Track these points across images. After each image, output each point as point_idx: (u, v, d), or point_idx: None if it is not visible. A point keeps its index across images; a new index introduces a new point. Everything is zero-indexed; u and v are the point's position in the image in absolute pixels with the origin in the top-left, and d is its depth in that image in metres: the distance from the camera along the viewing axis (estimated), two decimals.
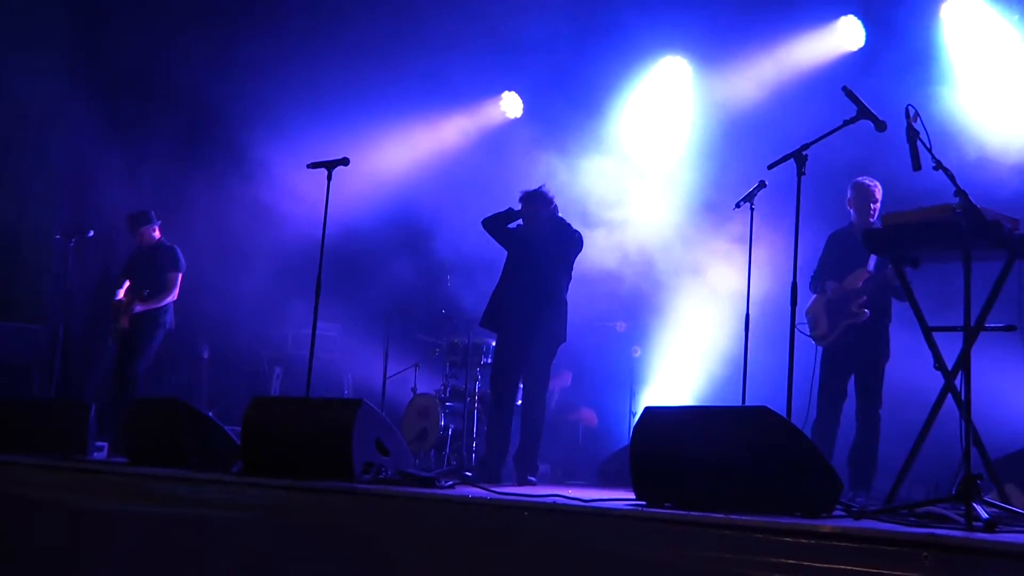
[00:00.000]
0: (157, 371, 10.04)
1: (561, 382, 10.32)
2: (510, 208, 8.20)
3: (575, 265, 8.16)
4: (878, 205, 7.35)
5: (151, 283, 9.35)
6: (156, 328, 9.35)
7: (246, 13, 11.64)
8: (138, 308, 9.24)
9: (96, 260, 11.58)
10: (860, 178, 7.45)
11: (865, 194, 7.38)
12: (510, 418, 8.11)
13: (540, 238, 8.02)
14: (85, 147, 11.76)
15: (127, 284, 9.40)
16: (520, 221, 8.16)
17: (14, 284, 11.98)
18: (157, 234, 9.68)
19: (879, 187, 7.38)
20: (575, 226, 8.25)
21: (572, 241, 8.08)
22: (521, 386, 8.31)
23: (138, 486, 5.84)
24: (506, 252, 8.27)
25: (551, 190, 8.24)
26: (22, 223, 11.89)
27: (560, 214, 8.23)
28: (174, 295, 9.45)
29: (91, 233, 10.16)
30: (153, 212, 9.75)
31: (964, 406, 4.51)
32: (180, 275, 9.46)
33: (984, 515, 3.96)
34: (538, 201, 8.12)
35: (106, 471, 6.23)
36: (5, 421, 7.68)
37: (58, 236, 10.46)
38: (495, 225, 8.22)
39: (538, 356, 7.92)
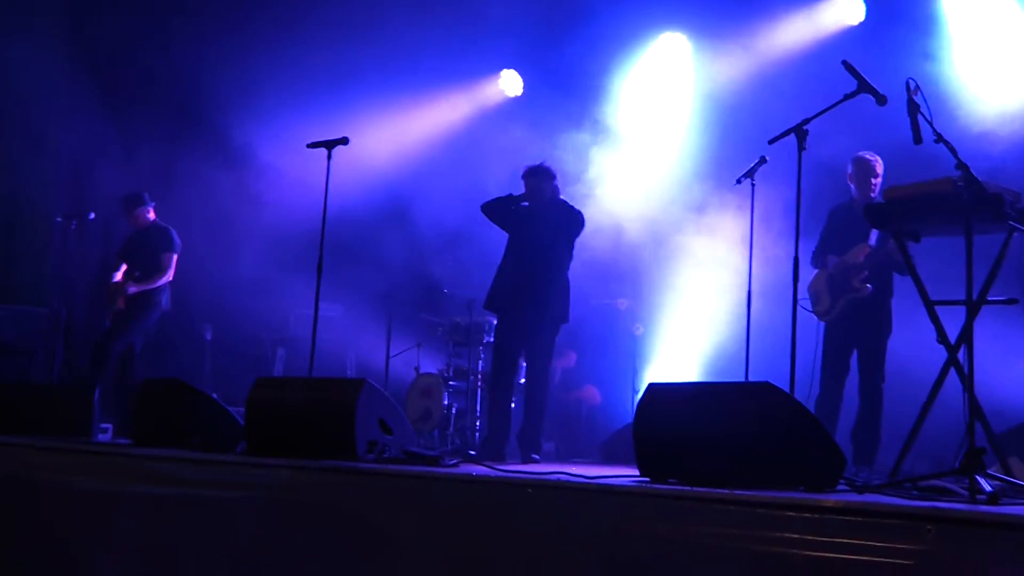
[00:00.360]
0: (159, 353, 10.06)
1: (565, 362, 10.32)
2: (510, 194, 8.17)
3: (576, 244, 8.15)
4: (879, 180, 7.33)
5: (146, 264, 9.34)
6: (149, 309, 9.32)
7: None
8: (132, 289, 9.23)
9: (97, 242, 11.58)
10: (861, 152, 7.43)
11: (866, 168, 7.36)
12: (510, 397, 8.12)
13: (542, 218, 8.00)
14: (85, 129, 11.75)
15: (124, 267, 9.40)
16: (525, 203, 8.12)
17: (16, 267, 11.98)
18: (152, 215, 9.67)
19: (880, 161, 7.36)
20: (576, 205, 8.23)
21: (574, 220, 8.06)
22: (524, 365, 8.32)
23: (142, 467, 5.85)
24: (507, 234, 8.25)
25: (554, 166, 8.23)
26: (23, 206, 11.89)
27: (561, 195, 8.22)
28: (169, 275, 9.43)
29: (92, 215, 10.16)
30: (147, 194, 9.73)
31: (967, 380, 4.51)
32: (175, 256, 9.45)
33: (988, 488, 3.96)
34: (542, 176, 8.10)
35: (110, 453, 6.24)
36: (9, 404, 7.70)
37: (59, 219, 10.46)
38: (495, 210, 8.20)
39: (540, 335, 7.92)
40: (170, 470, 5.72)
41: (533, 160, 8.23)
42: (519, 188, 8.16)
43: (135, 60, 11.77)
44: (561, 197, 8.20)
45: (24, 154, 11.56)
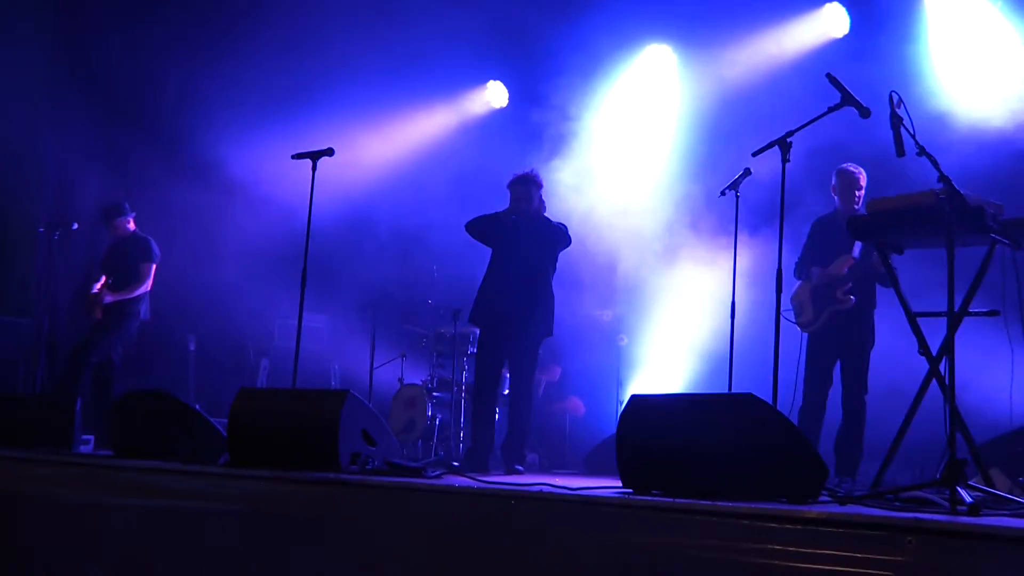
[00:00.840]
0: (142, 364, 10.02)
1: (549, 375, 10.31)
2: (496, 212, 8.16)
3: (560, 256, 8.15)
4: (862, 192, 7.36)
5: (124, 274, 9.30)
6: (126, 319, 9.27)
7: (227, 6, 11.60)
8: (108, 298, 9.19)
9: (81, 253, 11.54)
10: (845, 165, 7.46)
11: (849, 181, 7.39)
12: (494, 408, 8.12)
13: (526, 232, 7.99)
14: (69, 139, 11.72)
15: (103, 278, 9.36)
16: (511, 215, 8.10)
17: None
18: (131, 226, 9.64)
19: (864, 174, 7.39)
20: (558, 219, 8.24)
21: (559, 234, 8.06)
22: (507, 376, 8.31)
23: (125, 479, 5.83)
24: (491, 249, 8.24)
25: (540, 175, 8.24)
26: (6, 216, 11.85)
27: (545, 210, 8.21)
28: (147, 286, 9.39)
29: (75, 226, 10.12)
30: (127, 204, 9.71)
31: (948, 391, 4.53)
32: (153, 265, 9.40)
33: (968, 499, 3.98)
34: (529, 184, 8.11)
35: (92, 464, 6.21)
36: None
37: (42, 229, 10.42)
38: (478, 227, 8.18)
39: (524, 348, 7.92)
40: (153, 481, 5.70)
41: (518, 170, 8.24)
42: (504, 198, 8.16)
43: (120, 71, 11.76)
44: (545, 214, 8.19)
45: (7, 164, 11.51)
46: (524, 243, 7.96)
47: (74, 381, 8.98)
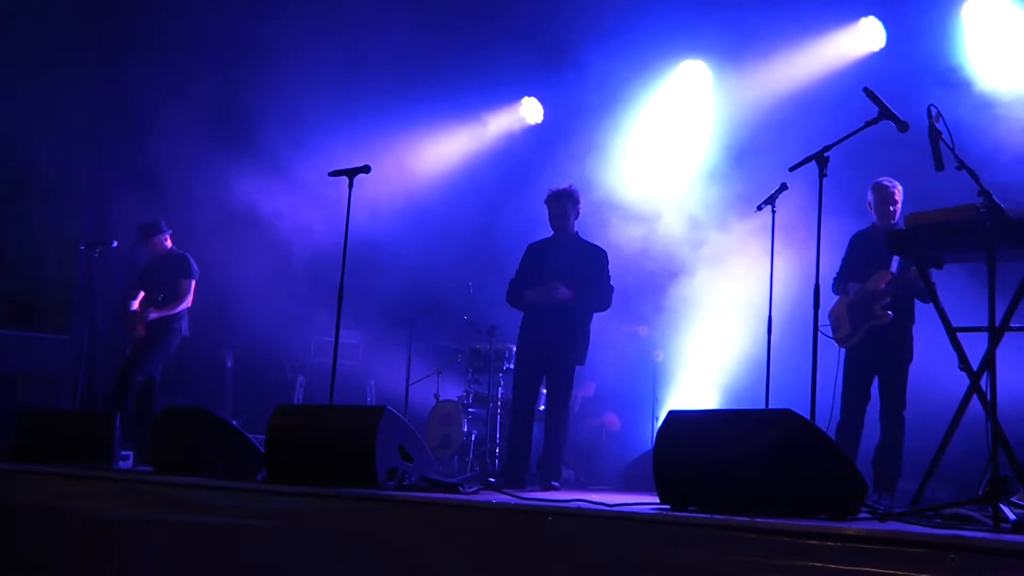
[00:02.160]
0: (180, 380, 10.09)
1: (584, 391, 10.30)
2: (525, 271, 8.20)
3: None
4: (898, 206, 7.30)
5: (165, 291, 9.40)
6: (168, 335, 9.38)
7: (255, 25, 11.68)
8: (152, 315, 9.29)
9: (121, 270, 11.64)
10: (880, 179, 7.41)
11: (884, 195, 7.34)
12: (531, 425, 8.11)
13: (562, 255, 8.00)
14: (109, 157, 11.84)
15: (141, 295, 9.45)
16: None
17: (39, 295, 12.04)
18: (168, 243, 9.74)
19: (899, 188, 7.34)
20: (594, 239, 8.24)
21: (595, 260, 8.06)
22: (544, 392, 8.32)
23: (164, 495, 5.86)
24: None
25: (578, 190, 8.25)
26: (47, 234, 11.97)
27: (578, 227, 8.21)
28: (188, 302, 9.50)
29: (115, 244, 10.20)
30: (164, 221, 9.81)
31: (989, 407, 4.48)
32: (193, 282, 9.51)
33: (1012, 516, 3.93)
34: (566, 199, 8.11)
35: (132, 480, 6.25)
36: (31, 431, 7.73)
37: (83, 247, 10.51)
38: (516, 301, 8.23)
39: (560, 370, 7.93)
40: (191, 497, 5.73)
41: (555, 185, 8.25)
42: (540, 214, 8.18)
43: (159, 87, 11.85)
44: (579, 234, 8.19)
45: (47, 183, 11.63)
46: (560, 268, 7.96)
47: (123, 398, 9.07)
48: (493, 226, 10.52)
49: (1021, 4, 8.90)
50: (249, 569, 5.24)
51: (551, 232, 8.18)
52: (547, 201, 8.17)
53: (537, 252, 8.24)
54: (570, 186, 8.20)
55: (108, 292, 11.47)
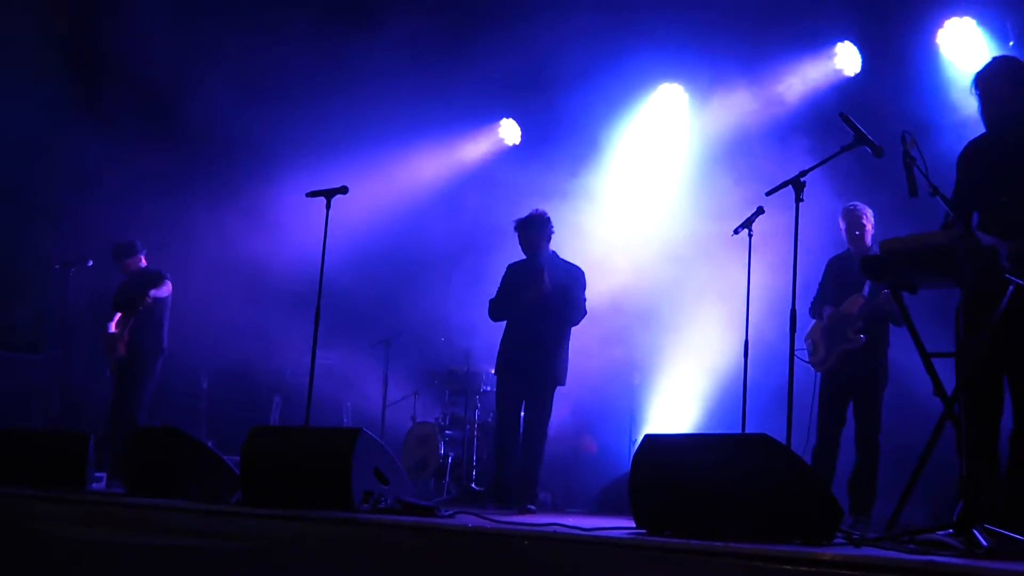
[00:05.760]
0: (156, 401, 10.04)
1: (562, 413, 10.24)
2: (504, 287, 8.26)
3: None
4: (864, 231, 7.34)
5: (140, 301, 9.35)
6: (156, 358, 9.36)
7: (249, 44, 11.66)
8: (153, 293, 9.23)
9: (95, 290, 11.57)
10: (850, 203, 7.47)
11: (852, 220, 7.40)
12: (518, 443, 8.08)
13: (539, 277, 8.02)
14: (85, 176, 11.78)
15: (118, 316, 9.39)
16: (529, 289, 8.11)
17: (14, 313, 11.99)
18: (143, 263, 9.71)
19: (868, 212, 7.39)
20: (572, 259, 8.26)
21: (572, 279, 8.09)
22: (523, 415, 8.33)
23: (136, 517, 5.81)
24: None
25: (545, 212, 8.26)
26: (22, 253, 11.90)
27: (553, 247, 8.24)
28: (168, 287, 9.51)
29: (90, 263, 10.17)
30: (139, 242, 9.77)
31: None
32: (168, 282, 9.51)
33: (984, 543, 3.94)
34: (535, 226, 8.13)
35: (104, 502, 6.20)
36: (3, 451, 7.65)
37: (57, 266, 10.46)
38: (499, 314, 8.24)
39: (539, 394, 7.94)
40: (165, 519, 5.67)
41: (526, 211, 8.25)
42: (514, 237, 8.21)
43: (139, 108, 11.81)
44: (556, 253, 8.21)
45: (22, 201, 11.58)
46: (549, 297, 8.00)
47: (131, 427, 8.94)
48: (471, 246, 10.52)
49: (990, 32, 8.96)
50: None
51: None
52: (517, 227, 8.21)
53: (516, 272, 8.26)
54: (535, 211, 8.21)
55: (83, 311, 11.40)
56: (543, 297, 7.92)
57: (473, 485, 7.97)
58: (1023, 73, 5.14)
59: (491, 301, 8.30)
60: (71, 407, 11.29)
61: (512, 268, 8.35)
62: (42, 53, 11.78)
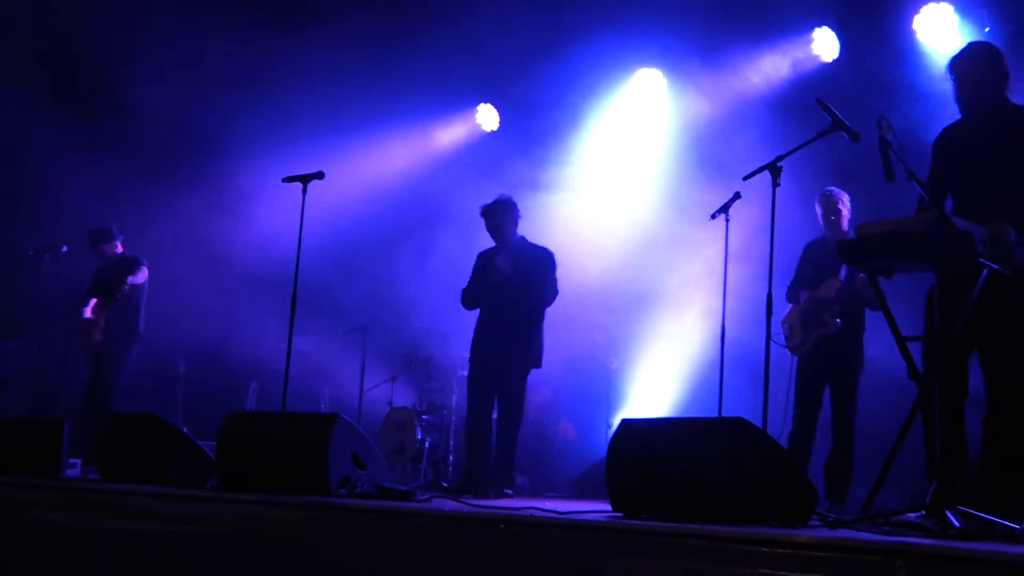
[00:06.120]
0: (132, 386, 10.00)
1: (540, 398, 10.29)
2: (475, 273, 8.23)
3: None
4: (841, 216, 7.35)
5: (117, 288, 9.29)
6: (131, 344, 9.31)
7: (219, 29, 11.59)
8: (130, 280, 9.18)
9: (70, 276, 11.50)
10: (826, 188, 7.48)
11: (828, 204, 7.41)
12: (490, 431, 8.09)
13: (511, 262, 8.01)
14: (59, 162, 11.70)
15: (94, 301, 9.33)
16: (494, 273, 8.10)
17: None
18: (120, 248, 9.64)
19: (845, 197, 7.40)
20: (549, 245, 8.25)
21: (542, 261, 8.08)
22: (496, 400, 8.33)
23: (112, 502, 5.78)
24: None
25: (511, 197, 8.24)
26: None
27: (533, 232, 8.22)
28: (144, 273, 9.44)
29: (65, 249, 10.10)
30: (115, 227, 9.71)
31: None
32: (144, 268, 9.44)
33: (957, 524, 3.97)
34: (502, 211, 8.12)
35: (79, 488, 6.17)
36: None
37: (31, 252, 10.39)
38: (472, 302, 8.23)
39: (512, 377, 7.93)
40: (140, 505, 5.66)
41: (492, 197, 8.24)
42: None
43: (113, 94, 11.74)
44: (524, 237, 8.20)
45: None
46: (509, 279, 7.98)
47: (106, 414, 8.88)
48: (448, 232, 10.49)
49: (967, 18, 8.99)
50: None
51: None
52: (482, 215, 8.20)
53: (485, 258, 8.25)
54: (500, 197, 8.20)
55: (58, 298, 11.34)
56: (506, 279, 7.91)
57: (444, 483, 7.94)
58: (998, 59, 5.17)
59: (463, 290, 8.30)
60: (46, 393, 11.23)
61: (482, 255, 8.34)
62: (12, 45, 11.67)
